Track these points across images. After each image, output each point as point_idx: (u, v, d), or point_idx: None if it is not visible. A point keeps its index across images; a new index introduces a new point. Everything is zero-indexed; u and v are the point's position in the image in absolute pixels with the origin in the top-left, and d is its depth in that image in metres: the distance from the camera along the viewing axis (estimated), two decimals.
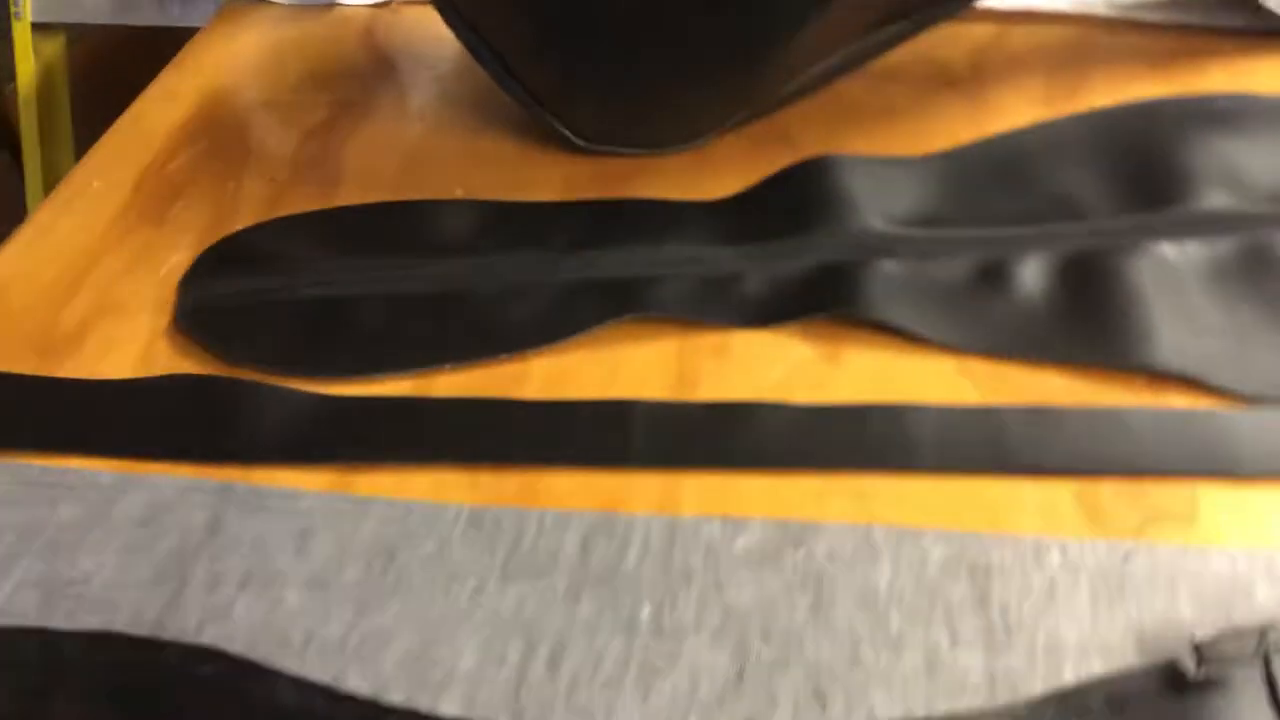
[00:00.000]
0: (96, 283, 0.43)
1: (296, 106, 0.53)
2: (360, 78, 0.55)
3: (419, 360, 0.39)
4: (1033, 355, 0.38)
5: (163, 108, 0.53)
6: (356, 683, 0.29)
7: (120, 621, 0.31)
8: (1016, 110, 0.51)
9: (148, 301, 0.42)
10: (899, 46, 0.51)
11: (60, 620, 0.31)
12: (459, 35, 0.47)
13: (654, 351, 0.39)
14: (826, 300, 0.40)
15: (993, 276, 0.41)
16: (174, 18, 1.22)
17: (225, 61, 0.57)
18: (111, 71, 1.34)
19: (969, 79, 0.53)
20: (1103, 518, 0.33)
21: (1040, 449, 0.35)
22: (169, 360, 0.40)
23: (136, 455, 0.36)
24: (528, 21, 0.45)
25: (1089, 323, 0.39)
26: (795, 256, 0.42)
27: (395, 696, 0.29)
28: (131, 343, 0.40)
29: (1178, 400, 0.37)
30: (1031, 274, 0.41)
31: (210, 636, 0.31)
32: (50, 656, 0.30)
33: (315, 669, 0.30)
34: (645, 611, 0.31)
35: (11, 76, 1.79)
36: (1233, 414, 0.36)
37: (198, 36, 0.59)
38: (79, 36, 1.28)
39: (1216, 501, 0.34)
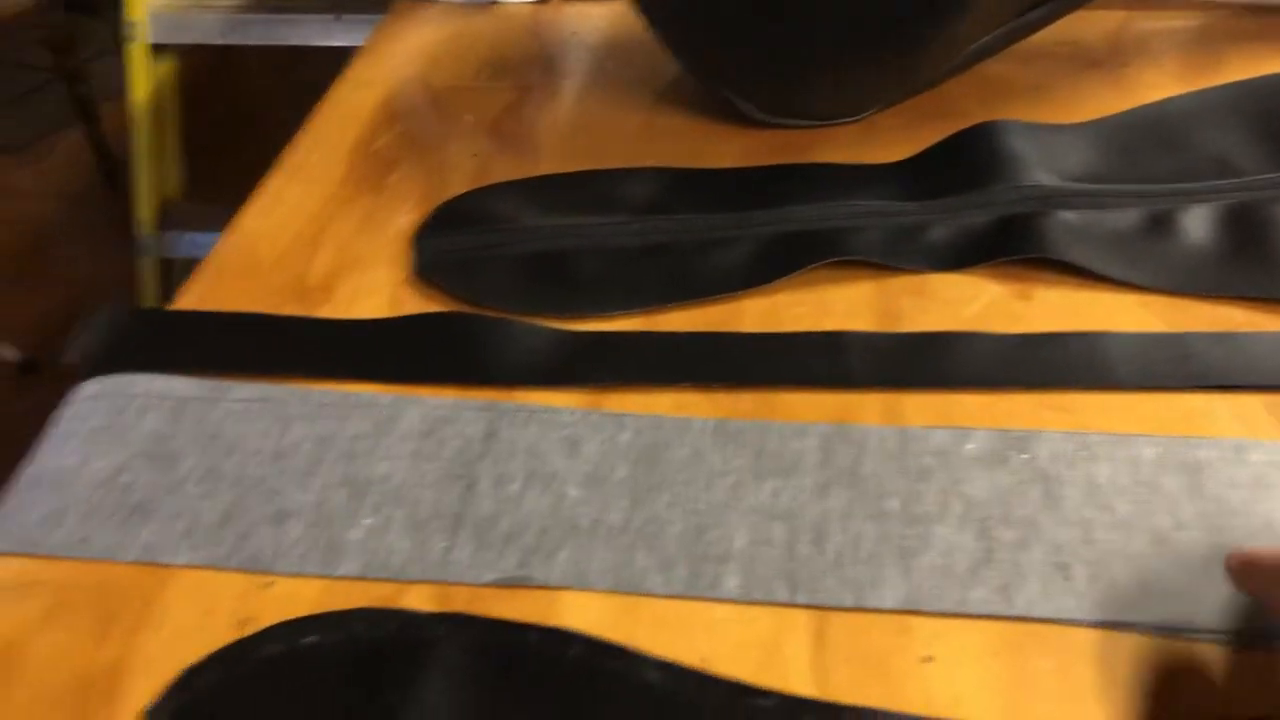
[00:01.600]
0: (333, 241, 0.47)
1: (482, 91, 0.58)
2: (535, 65, 0.60)
3: (642, 301, 0.43)
4: (1208, 292, 0.42)
5: (359, 93, 0.58)
6: (644, 560, 0.33)
7: (423, 513, 0.35)
8: (1157, 86, 0.55)
9: (383, 257, 0.46)
10: (1042, 30, 0.55)
11: (368, 511, 0.35)
12: (650, 22, 0.52)
13: (856, 292, 0.43)
14: (1013, 245, 0.44)
15: (1162, 225, 0.45)
16: (281, 38, 1.28)
17: (406, 53, 0.62)
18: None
19: (1108, 59, 0.57)
20: None
21: (1229, 367, 0.38)
22: (415, 305, 0.44)
23: (405, 381, 0.40)
24: (717, 8, 0.49)
25: (1255, 263, 0.43)
26: (977, 208, 0.46)
27: (681, 571, 0.33)
28: (377, 291, 0.45)
29: None
30: (1197, 223, 0.45)
31: (505, 525, 0.34)
32: (413, 637, 0.32)
33: (603, 548, 0.34)
34: (893, 503, 0.35)
35: (110, 95, 1.87)
36: None
37: (377, 31, 0.64)
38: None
39: None
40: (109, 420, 0.39)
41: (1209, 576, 0.32)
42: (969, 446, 0.36)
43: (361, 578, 0.33)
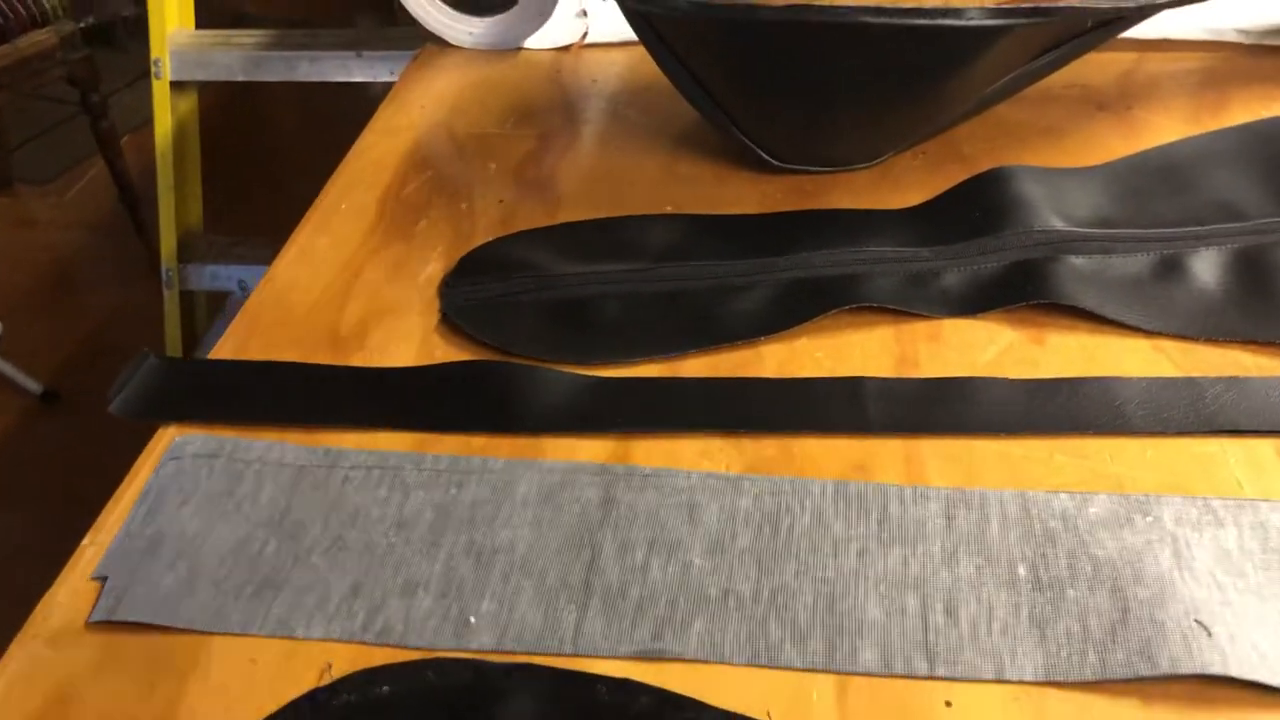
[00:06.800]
0: (364, 290, 0.49)
1: (506, 138, 0.59)
2: (557, 112, 0.61)
3: (663, 347, 0.44)
4: (1218, 336, 0.43)
5: (386, 140, 0.59)
6: (777, 632, 0.33)
7: (550, 582, 0.35)
8: (1165, 128, 0.56)
9: (414, 304, 0.48)
10: (1052, 74, 0.56)
11: (497, 581, 0.35)
12: (668, 70, 0.53)
13: (873, 338, 0.44)
14: (1025, 291, 0.45)
15: (1172, 269, 0.46)
16: (302, 74, 1.30)
17: (432, 100, 0.63)
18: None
19: (1117, 101, 0.58)
20: None
21: (1239, 411, 0.40)
22: (445, 352, 0.45)
23: (438, 429, 0.41)
24: (735, 60, 0.51)
25: (1264, 306, 0.44)
26: (989, 254, 0.47)
27: (816, 644, 0.33)
28: (408, 338, 0.46)
29: None
30: (1205, 267, 0.46)
31: (634, 595, 0.34)
32: (485, 687, 0.32)
33: (735, 620, 0.34)
34: (1021, 570, 0.35)
35: (132, 128, 1.90)
36: None
37: (403, 78, 0.65)
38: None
39: None
40: (228, 486, 0.39)
41: None
42: (1091, 510, 0.36)
43: (496, 651, 0.33)
